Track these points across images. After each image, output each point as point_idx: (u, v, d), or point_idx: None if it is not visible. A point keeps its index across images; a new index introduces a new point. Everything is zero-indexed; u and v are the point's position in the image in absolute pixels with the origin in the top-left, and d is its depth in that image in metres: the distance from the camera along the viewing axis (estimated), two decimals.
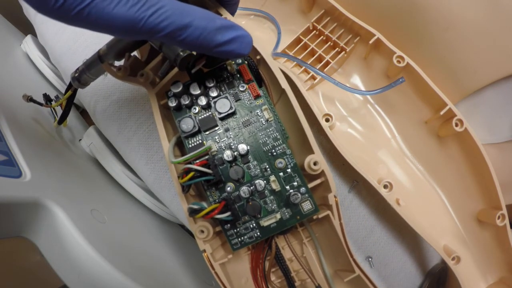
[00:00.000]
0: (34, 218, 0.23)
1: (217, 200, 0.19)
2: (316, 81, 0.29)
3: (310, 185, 0.19)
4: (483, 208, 0.26)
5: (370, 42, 0.27)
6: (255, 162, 0.19)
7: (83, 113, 0.49)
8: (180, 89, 0.19)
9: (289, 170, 0.19)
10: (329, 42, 0.29)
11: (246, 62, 0.20)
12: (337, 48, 0.29)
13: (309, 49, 0.30)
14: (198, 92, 0.19)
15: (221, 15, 0.20)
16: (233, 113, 0.19)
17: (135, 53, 0.21)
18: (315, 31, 0.30)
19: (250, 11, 0.33)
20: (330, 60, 0.29)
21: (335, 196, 0.19)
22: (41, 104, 0.31)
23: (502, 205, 0.24)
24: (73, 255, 0.23)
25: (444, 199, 0.28)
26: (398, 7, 0.27)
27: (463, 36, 0.26)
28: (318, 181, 0.19)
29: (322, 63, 0.29)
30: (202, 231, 0.19)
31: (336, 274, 0.22)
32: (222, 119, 0.19)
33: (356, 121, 0.29)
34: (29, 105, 0.34)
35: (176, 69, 0.20)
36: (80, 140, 0.37)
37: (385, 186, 0.25)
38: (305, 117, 0.31)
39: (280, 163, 0.19)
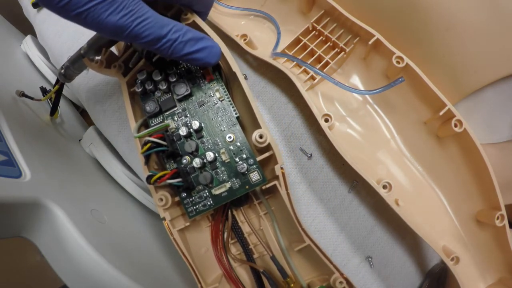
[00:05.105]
0: (34, 218, 0.23)
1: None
2: (315, 81, 0.29)
3: (260, 158, 0.21)
4: (482, 208, 0.26)
5: (370, 42, 0.27)
6: (208, 137, 0.21)
7: (83, 113, 0.49)
8: (144, 76, 0.22)
9: (238, 143, 0.21)
10: (329, 43, 0.29)
11: None
12: (337, 49, 0.29)
13: (308, 50, 0.30)
14: (159, 78, 0.22)
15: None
16: (190, 95, 0.22)
17: (112, 48, 0.24)
18: (314, 31, 0.30)
19: (249, 11, 0.33)
20: (330, 61, 0.29)
21: (281, 168, 0.21)
22: (32, 98, 0.32)
23: (501, 205, 0.24)
24: (73, 255, 0.23)
25: (443, 199, 0.28)
26: (398, 7, 0.27)
27: (463, 36, 0.26)
28: (266, 154, 0.21)
29: (322, 63, 0.29)
30: (161, 199, 0.21)
31: (291, 246, 0.23)
32: (180, 100, 0.22)
33: (355, 121, 0.29)
34: (29, 105, 0.34)
35: (144, 60, 0.23)
36: (80, 140, 0.37)
37: (384, 187, 0.25)
38: (305, 117, 0.31)
39: (229, 137, 0.21)
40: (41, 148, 0.29)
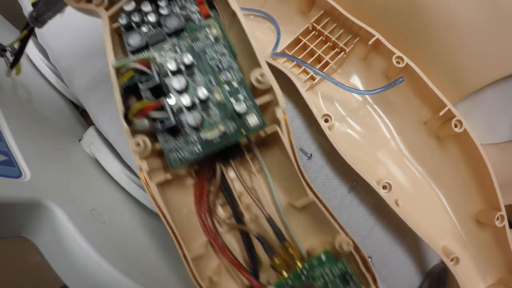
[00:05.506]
0: (34, 218, 0.23)
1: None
2: (315, 81, 0.29)
3: (259, 102, 0.18)
4: (482, 209, 0.26)
5: (370, 42, 0.27)
6: (201, 75, 0.18)
7: (83, 113, 0.49)
8: (132, 7, 0.19)
9: (235, 83, 0.18)
10: (329, 43, 0.29)
11: None
12: (337, 49, 0.29)
13: (308, 50, 0.30)
14: (148, 9, 0.19)
15: None
16: (182, 30, 0.19)
17: None
18: (314, 31, 0.30)
19: (250, 11, 0.33)
20: (330, 61, 0.29)
21: (283, 112, 0.18)
22: None
23: (501, 206, 0.24)
24: (73, 255, 0.23)
25: (443, 199, 0.28)
26: (398, 7, 0.27)
27: (463, 36, 0.26)
28: (267, 98, 0.18)
29: (322, 63, 0.29)
30: (139, 144, 0.17)
31: (289, 206, 0.21)
32: (170, 35, 0.19)
33: (355, 121, 0.29)
34: (31, 106, 0.34)
35: None
36: (80, 140, 0.37)
37: (384, 187, 0.25)
38: (305, 117, 0.31)
39: (225, 75, 0.18)
40: (41, 148, 0.29)
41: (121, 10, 0.19)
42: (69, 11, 0.22)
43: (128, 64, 0.17)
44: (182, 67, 0.18)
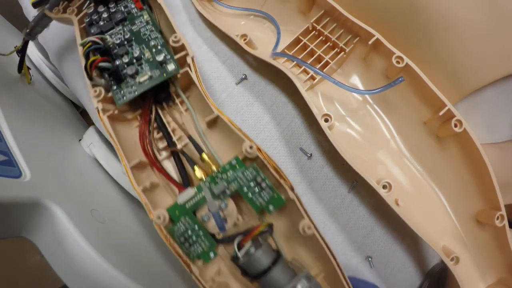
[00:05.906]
0: (34, 218, 0.23)
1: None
2: (315, 81, 0.29)
3: (178, 56, 0.25)
4: (482, 208, 0.26)
5: (370, 42, 0.27)
6: (137, 45, 0.27)
7: (83, 113, 0.49)
8: (92, 10, 0.28)
9: (159, 47, 0.26)
10: (329, 43, 0.29)
11: None
12: (337, 49, 0.29)
13: (308, 50, 0.30)
14: (103, 9, 0.28)
15: None
16: (124, 19, 0.28)
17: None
18: (314, 31, 0.30)
19: (249, 11, 0.33)
20: (330, 61, 0.29)
21: (192, 59, 0.25)
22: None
23: (501, 205, 0.24)
24: (73, 255, 0.23)
25: (443, 199, 0.28)
26: (398, 7, 0.27)
27: (463, 36, 0.26)
28: (183, 52, 0.25)
29: (322, 63, 0.29)
30: (96, 91, 0.24)
31: (208, 130, 0.26)
32: (117, 23, 0.27)
33: (355, 121, 0.29)
34: (31, 106, 0.34)
35: (93, 4, 0.29)
36: (80, 140, 0.37)
37: (384, 187, 0.25)
38: (305, 117, 0.31)
39: (152, 43, 0.26)
40: (41, 148, 0.29)
41: (86, 14, 0.28)
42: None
43: (87, 39, 0.25)
44: (125, 42, 0.27)
